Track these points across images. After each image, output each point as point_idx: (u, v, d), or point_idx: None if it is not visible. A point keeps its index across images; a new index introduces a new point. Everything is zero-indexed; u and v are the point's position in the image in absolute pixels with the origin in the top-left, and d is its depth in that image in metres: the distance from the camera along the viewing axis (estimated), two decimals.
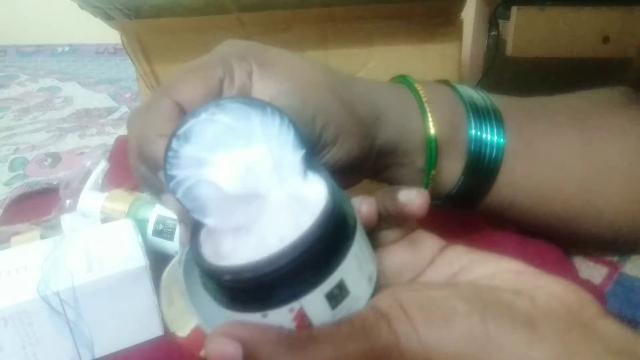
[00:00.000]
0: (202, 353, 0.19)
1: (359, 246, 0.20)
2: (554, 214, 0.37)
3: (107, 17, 0.46)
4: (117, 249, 0.35)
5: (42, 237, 0.43)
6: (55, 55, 1.46)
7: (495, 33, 0.82)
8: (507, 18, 0.76)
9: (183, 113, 0.26)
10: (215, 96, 0.27)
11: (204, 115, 0.21)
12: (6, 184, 0.67)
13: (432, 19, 0.46)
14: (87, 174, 0.49)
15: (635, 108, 0.37)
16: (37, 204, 0.55)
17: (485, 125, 0.35)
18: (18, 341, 0.32)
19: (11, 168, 0.72)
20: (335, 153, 0.29)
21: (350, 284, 0.20)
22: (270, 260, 0.18)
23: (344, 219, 0.20)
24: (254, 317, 0.19)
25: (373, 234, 0.25)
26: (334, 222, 0.19)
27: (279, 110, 0.21)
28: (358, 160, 0.30)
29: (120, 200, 0.43)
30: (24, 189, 0.58)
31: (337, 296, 0.19)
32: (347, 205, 0.21)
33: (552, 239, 0.39)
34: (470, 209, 0.38)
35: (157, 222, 0.41)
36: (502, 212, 0.37)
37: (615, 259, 0.38)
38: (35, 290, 0.32)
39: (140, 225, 0.40)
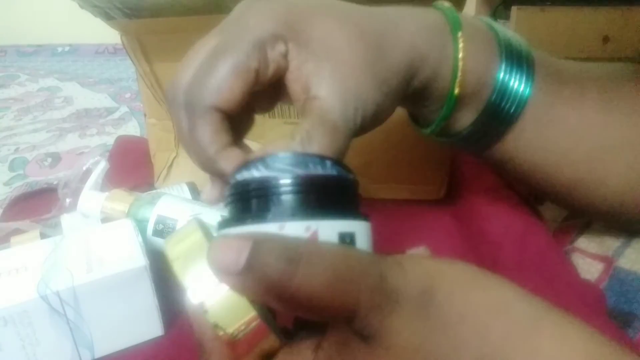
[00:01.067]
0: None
1: (369, 237, 0.22)
2: (556, 177, 0.36)
3: (107, 17, 0.46)
4: (117, 249, 0.35)
5: (42, 236, 0.43)
6: (55, 55, 1.46)
7: None
8: (507, 18, 0.76)
9: (227, 119, 0.26)
10: (252, 88, 0.26)
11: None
12: (6, 184, 0.67)
13: None
14: (87, 174, 0.49)
15: None
16: (37, 204, 0.55)
17: (515, 72, 0.33)
18: (18, 341, 0.32)
19: (11, 168, 0.72)
20: (369, 126, 0.29)
21: (358, 245, 0.21)
22: (308, 175, 0.21)
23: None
24: (272, 227, 0.20)
25: None
26: (356, 186, 0.23)
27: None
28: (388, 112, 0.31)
29: (120, 200, 0.43)
30: (24, 189, 0.58)
31: (346, 243, 0.21)
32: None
33: (557, 200, 0.39)
34: (477, 152, 0.37)
35: (157, 222, 0.41)
36: (505, 165, 0.37)
37: (610, 253, 0.39)
38: (35, 290, 0.32)
39: (140, 225, 0.40)
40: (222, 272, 0.19)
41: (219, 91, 0.25)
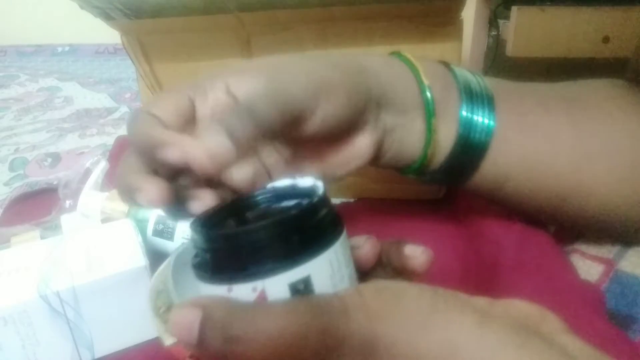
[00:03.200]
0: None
1: (337, 258, 0.21)
2: (544, 194, 0.37)
3: (107, 17, 0.46)
4: (117, 249, 0.35)
5: (42, 237, 0.43)
6: (55, 55, 1.46)
7: (495, 33, 0.82)
8: (507, 18, 0.76)
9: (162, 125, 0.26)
10: (188, 114, 0.27)
11: None
12: (6, 184, 0.67)
13: (432, 19, 0.46)
14: (87, 174, 0.49)
15: (624, 99, 0.37)
16: (37, 204, 0.55)
17: (477, 107, 0.35)
18: (18, 341, 0.32)
19: (11, 168, 0.72)
20: (327, 109, 0.28)
21: (317, 286, 0.20)
22: (241, 232, 0.20)
23: (322, 220, 0.21)
24: (221, 290, 0.20)
25: (367, 279, 0.25)
26: (309, 217, 0.20)
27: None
28: (355, 114, 0.31)
29: (120, 200, 0.43)
30: (24, 189, 0.58)
31: (300, 291, 0.20)
32: (329, 213, 0.22)
33: (547, 220, 0.40)
34: (459, 184, 0.38)
35: (157, 222, 0.41)
36: (493, 191, 0.38)
37: (611, 255, 0.39)
38: (35, 290, 0.32)
39: (140, 225, 0.40)
40: (182, 343, 0.19)
41: (153, 101, 0.27)
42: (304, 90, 0.28)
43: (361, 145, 0.32)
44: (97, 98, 1.07)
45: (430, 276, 0.39)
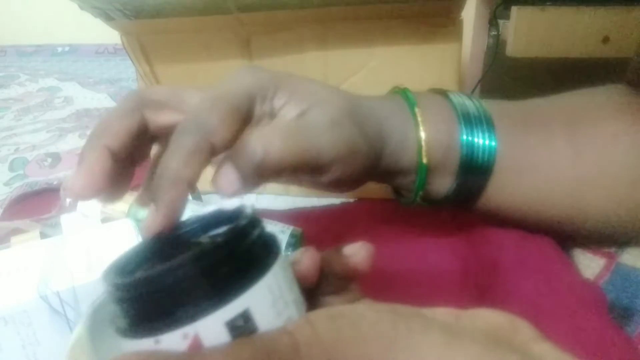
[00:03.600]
0: None
1: (277, 283, 0.18)
2: (543, 217, 0.38)
3: (107, 18, 0.46)
4: (117, 249, 0.35)
5: (42, 236, 0.43)
6: (55, 55, 1.46)
7: (495, 33, 0.82)
8: (507, 18, 0.76)
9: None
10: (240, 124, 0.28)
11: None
12: (6, 184, 0.67)
13: (432, 19, 0.46)
14: None
15: (629, 111, 0.37)
16: (37, 204, 0.55)
17: (477, 131, 0.36)
18: (18, 341, 0.32)
19: (11, 168, 0.72)
20: (341, 169, 0.30)
21: (259, 319, 0.17)
22: (160, 272, 0.17)
23: (253, 244, 0.19)
24: (147, 344, 0.17)
25: (315, 299, 0.23)
26: (237, 243, 0.18)
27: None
28: (359, 177, 0.32)
29: (120, 200, 0.43)
30: (24, 189, 0.58)
31: (240, 328, 0.17)
32: (261, 235, 0.20)
33: (548, 233, 0.40)
34: (466, 210, 0.39)
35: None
36: (496, 214, 0.39)
37: (612, 249, 0.39)
38: (35, 290, 0.32)
39: (140, 225, 0.40)
40: None
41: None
42: (328, 151, 0.29)
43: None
44: (97, 98, 1.07)
45: (431, 277, 0.39)
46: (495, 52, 0.80)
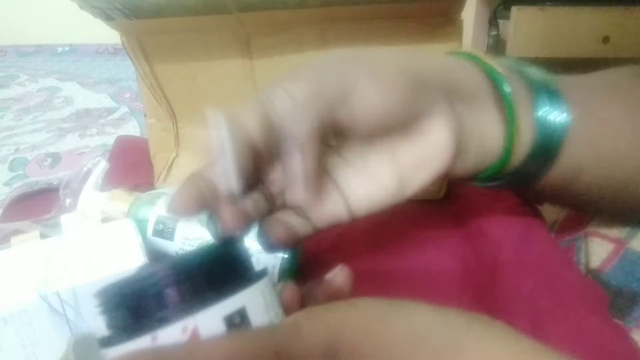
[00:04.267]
0: None
1: (269, 292, 0.20)
2: (610, 182, 0.36)
3: (107, 18, 0.46)
4: (117, 249, 0.35)
5: (42, 236, 0.43)
6: (55, 55, 1.46)
7: (495, 33, 0.82)
8: (507, 18, 0.76)
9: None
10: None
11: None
12: (6, 184, 0.67)
13: (432, 19, 0.46)
14: (87, 174, 0.49)
15: None
16: (37, 204, 0.55)
17: (553, 103, 0.33)
18: (18, 341, 0.32)
19: (11, 168, 0.72)
20: (369, 89, 0.28)
21: (252, 317, 0.18)
22: (165, 266, 0.17)
23: (246, 258, 0.20)
24: (144, 342, 0.17)
25: None
26: (234, 251, 0.19)
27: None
28: (411, 95, 0.29)
29: (120, 200, 0.43)
30: (24, 189, 0.58)
31: (237, 325, 0.18)
32: (248, 257, 0.21)
33: (613, 210, 0.39)
34: (529, 186, 0.36)
35: (157, 222, 0.41)
36: (565, 188, 0.36)
37: (622, 235, 0.39)
38: (35, 290, 0.32)
39: (140, 225, 0.40)
40: None
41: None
42: (339, 71, 0.27)
43: (439, 139, 0.30)
44: (97, 98, 1.07)
45: (431, 276, 0.39)
46: (495, 52, 0.80)
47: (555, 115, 0.33)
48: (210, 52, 0.49)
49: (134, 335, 0.17)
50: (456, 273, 0.40)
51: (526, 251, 0.39)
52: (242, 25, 0.47)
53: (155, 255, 0.36)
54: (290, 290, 0.23)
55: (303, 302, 0.23)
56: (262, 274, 0.20)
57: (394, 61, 0.29)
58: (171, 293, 0.17)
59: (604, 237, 0.39)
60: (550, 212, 0.45)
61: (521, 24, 0.75)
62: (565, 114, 0.33)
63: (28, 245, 0.37)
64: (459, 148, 0.31)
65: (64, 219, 0.45)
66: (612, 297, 0.35)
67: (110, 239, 0.37)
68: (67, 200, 0.50)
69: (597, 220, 0.41)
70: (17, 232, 0.46)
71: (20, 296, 0.31)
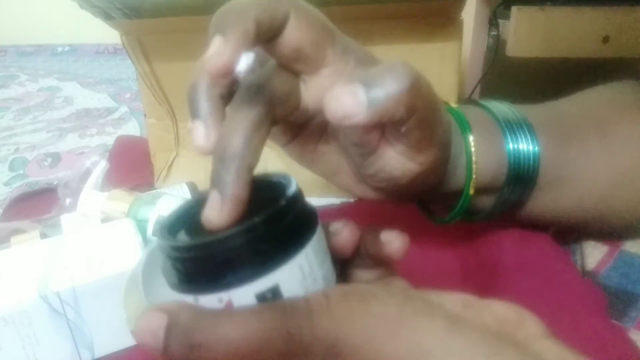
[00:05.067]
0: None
1: (308, 262, 0.20)
2: (577, 219, 0.38)
3: (107, 17, 0.46)
4: (117, 249, 0.35)
5: (42, 236, 0.43)
6: (55, 55, 1.46)
7: (495, 33, 0.82)
8: (507, 18, 0.76)
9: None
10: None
11: None
12: (6, 184, 0.67)
13: (432, 19, 0.46)
14: (87, 174, 0.49)
15: (632, 108, 0.38)
16: (37, 204, 0.55)
17: (520, 137, 0.35)
18: (18, 341, 0.32)
19: (11, 168, 0.72)
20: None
21: (286, 294, 0.19)
22: (206, 243, 0.19)
23: (292, 223, 0.20)
24: (188, 300, 0.19)
25: (348, 270, 0.25)
26: (277, 222, 0.19)
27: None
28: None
29: (120, 200, 0.43)
30: (24, 189, 0.58)
31: (268, 300, 0.19)
32: (301, 213, 0.20)
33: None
34: (511, 216, 0.39)
35: (157, 222, 0.41)
36: (542, 215, 0.38)
37: (616, 237, 0.39)
38: (35, 290, 0.32)
39: (140, 225, 0.40)
40: (147, 349, 0.19)
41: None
42: None
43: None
44: (97, 98, 1.07)
45: (431, 276, 0.39)
46: (495, 52, 0.80)
47: (523, 147, 0.35)
48: None
49: (181, 291, 0.19)
50: (456, 273, 0.40)
51: (526, 251, 0.39)
52: None
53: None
54: (350, 232, 0.23)
55: (357, 247, 0.24)
56: (305, 241, 0.20)
57: None
58: (214, 265, 0.19)
59: (599, 238, 0.39)
60: None
61: (521, 24, 0.75)
62: (534, 145, 0.35)
63: (28, 245, 0.37)
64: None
65: (64, 219, 0.45)
66: (609, 298, 0.35)
67: (110, 239, 0.37)
68: (67, 200, 0.50)
69: None
70: (17, 232, 0.46)
71: (20, 296, 0.31)
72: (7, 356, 0.32)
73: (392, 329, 0.18)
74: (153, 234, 0.21)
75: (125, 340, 0.35)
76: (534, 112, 0.37)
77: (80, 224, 0.44)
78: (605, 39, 0.75)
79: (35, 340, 0.32)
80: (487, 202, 0.37)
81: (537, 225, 0.43)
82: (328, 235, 0.23)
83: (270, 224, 0.19)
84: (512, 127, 0.35)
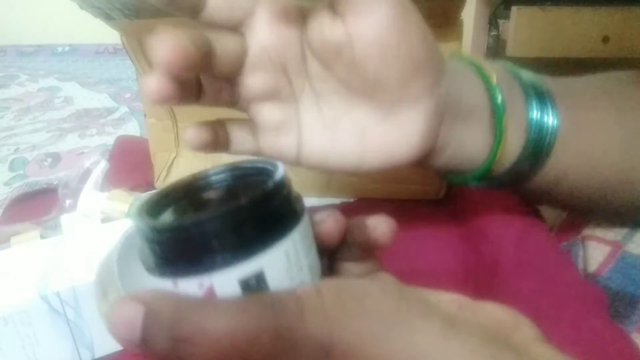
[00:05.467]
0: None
1: (295, 248, 0.19)
2: (598, 186, 0.36)
3: (107, 18, 0.46)
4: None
5: (42, 237, 0.43)
6: (55, 55, 1.46)
7: (495, 33, 0.82)
8: (507, 18, 0.76)
9: None
10: None
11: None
12: (6, 184, 0.67)
13: (432, 19, 0.45)
14: (87, 174, 0.49)
15: None
16: (37, 204, 0.55)
17: (545, 108, 0.34)
18: (18, 341, 0.32)
19: (11, 168, 0.72)
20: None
21: (271, 281, 0.18)
22: (187, 223, 0.18)
23: (278, 208, 0.19)
24: (166, 284, 0.18)
25: (336, 263, 0.24)
26: (263, 205, 0.18)
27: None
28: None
29: (120, 200, 0.43)
30: (24, 189, 0.58)
31: (253, 287, 0.18)
32: (287, 198, 0.20)
33: (589, 214, 0.39)
34: (518, 187, 0.37)
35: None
36: (551, 189, 0.37)
37: (619, 238, 0.39)
38: (35, 290, 0.32)
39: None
40: (122, 342, 0.18)
41: None
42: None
43: (412, 131, 0.30)
44: (97, 98, 1.07)
45: (431, 276, 0.39)
46: (495, 52, 0.80)
47: (546, 118, 0.34)
48: None
49: (159, 275, 0.18)
50: (456, 273, 0.40)
51: (526, 251, 0.39)
52: None
53: None
54: (335, 220, 0.23)
55: (344, 236, 0.23)
56: (292, 226, 0.19)
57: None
58: (195, 247, 0.18)
59: (600, 240, 0.39)
60: (547, 217, 0.45)
61: (521, 24, 0.75)
62: (555, 118, 0.34)
63: (28, 245, 0.37)
64: (431, 147, 0.31)
65: (64, 219, 0.45)
66: (611, 301, 0.35)
67: (110, 239, 0.37)
68: (67, 201, 0.50)
69: (594, 224, 0.41)
70: (17, 232, 0.46)
71: (20, 296, 0.31)
72: (7, 356, 0.32)
73: (387, 329, 0.17)
74: (128, 215, 0.19)
75: None
76: (552, 83, 0.36)
77: (80, 224, 0.44)
78: (605, 39, 0.75)
79: (35, 340, 0.32)
80: (499, 168, 0.35)
81: (540, 218, 0.42)
82: (313, 224, 0.22)
83: (255, 207, 0.18)
84: (538, 96, 0.34)
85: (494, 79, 0.33)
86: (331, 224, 0.22)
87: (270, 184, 0.19)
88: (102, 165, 0.48)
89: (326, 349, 0.17)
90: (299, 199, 0.20)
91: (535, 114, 0.33)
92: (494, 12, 0.80)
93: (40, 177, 0.66)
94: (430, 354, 0.17)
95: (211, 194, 0.22)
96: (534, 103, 0.33)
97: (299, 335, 0.17)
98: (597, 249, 0.38)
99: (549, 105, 0.34)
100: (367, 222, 0.23)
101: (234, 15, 0.28)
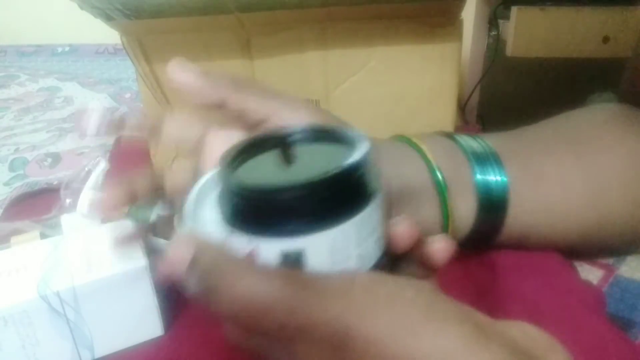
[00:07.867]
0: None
1: (344, 237, 0.19)
2: (568, 237, 0.38)
3: (107, 18, 0.46)
4: (117, 249, 0.35)
5: (42, 236, 0.43)
6: (55, 55, 1.46)
7: (495, 33, 0.82)
8: (507, 18, 0.76)
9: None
10: None
11: None
12: (6, 184, 0.67)
13: (432, 19, 0.46)
14: (87, 174, 0.49)
15: (617, 126, 0.38)
16: (37, 204, 0.55)
17: (488, 168, 0.35)
18: (18, 341, 0.32)
19: (11, 168, 0.72)
20: None
21: (311, 261, 0.19)
22: (254, 190, 0.19)
23: (337, 195, 0.19)
24: (224, 231, 0.20)
25: (395, 264, 0.24)
26: (319, 191, 0.19)
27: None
28: None
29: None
30: (24, 189, 0.58)
31: (291, 262, 0.19)
32: (358, 183, 0.20)
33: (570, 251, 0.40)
34: (486, 246, 0.39)
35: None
36: (522, 243, 0.38)
37: (610, 261, 0.39)
38: (35, 290, 0.32)
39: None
40: (173, 274, 0.20)
41: None
42: None
43: None
44: (97, 98, 1.07)
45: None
46: (495, 52, 0.80)
47: (492, 177, 0.35)
48: (210, 52, 0.49)
49: (222, 221, 0.20)
50: (456, 273, 0.40)
51: (526, 252, 0.39)
52: (242, 25, 0.47)
53: (156, 256, 0.36)
54: (409, 226, 0.23)
55: (412, 245, 0.23)
56: (350, 215, 0.19)
57: None
58: (254, 211, 0.19)
59: (594, 263, 0.39)
60: None
61: (521, 24, 0.75)
62: (501, 176, 0.35)
63: (28, 245, 0.37)
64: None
65: (64, 219, 0.44)
66: None
67: (110, 239, 0.37)
68: (67, 200, 0.50)
69: None
70: (17, 232, 0.46)
71: (20, 296, 0.31)
72: (7, 356, 0.32)
73: (416, 329, 0.17)
74: (219, 163, 0.21)
75: (125, 340, 0.35)
76: (504, 140, 0.38)
77: (80, 224, 0.43)
78: (605, 39, 0.75)
79: (35, 340, 0.32)
80: (459, 234, 0.37)
81: None
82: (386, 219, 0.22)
83: (315, 191, 0.18)
84: (479, 158, 0.36)
85: (429, 153, 0.34)
86: (404, 228, 0.23)
87: (337, 169, 0.19)
88: (102, 165, 0.48)
89: (342, 338, 0.18)
90: (371, 181, 0.20)
91: (478, 176, 0.35)
92: (494, 12, 0.80)
93: (40, 177, 0.66)
94: (457, 356, 0.17)
95: (294, 153, 0.22)
96: (475, 167, 0.35)
97: (317, 316, 0.18)
98: (590, 272, 0.39)
99: (493, 164, 0.35)
100: (429, 237, 0.24)
101: (185, 140, 0.31)
